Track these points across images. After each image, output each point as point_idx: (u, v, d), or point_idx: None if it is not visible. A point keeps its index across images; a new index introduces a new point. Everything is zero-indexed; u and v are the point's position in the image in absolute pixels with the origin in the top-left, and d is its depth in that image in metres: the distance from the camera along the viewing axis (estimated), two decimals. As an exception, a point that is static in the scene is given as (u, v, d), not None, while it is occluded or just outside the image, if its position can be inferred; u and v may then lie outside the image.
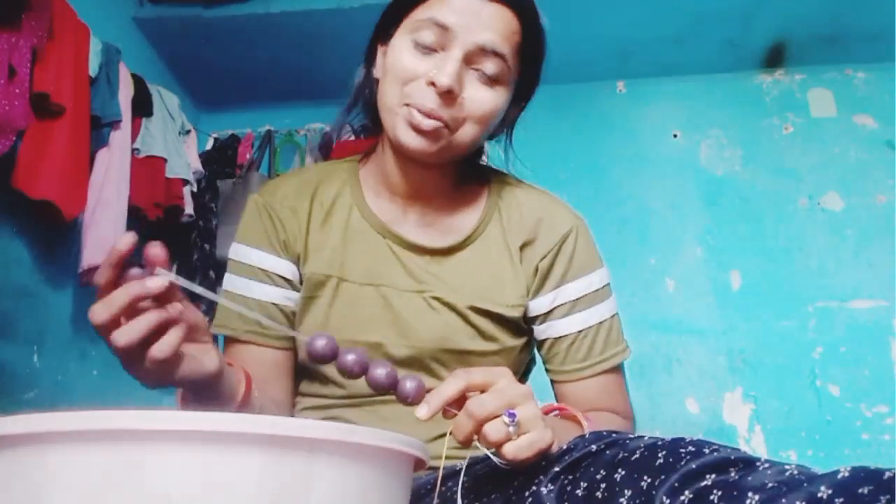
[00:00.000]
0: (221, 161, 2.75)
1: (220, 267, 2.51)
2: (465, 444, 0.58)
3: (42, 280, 1.90)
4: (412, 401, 0.60)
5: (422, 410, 0.58)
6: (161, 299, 0.55)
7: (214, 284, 2.52)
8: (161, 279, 0.53)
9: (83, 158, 1.85)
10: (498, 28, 0.75)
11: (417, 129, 0.75)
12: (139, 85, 2.18)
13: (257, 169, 2.73)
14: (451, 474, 0.75)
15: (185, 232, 2.47)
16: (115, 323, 0.53)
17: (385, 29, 0.82)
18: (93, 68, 1.91)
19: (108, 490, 0.38)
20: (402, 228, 0.85)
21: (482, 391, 0.59)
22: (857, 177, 2.61)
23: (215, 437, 0.39)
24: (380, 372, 0.60)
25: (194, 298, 0.58)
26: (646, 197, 2.70)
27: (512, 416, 0.57)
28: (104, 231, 1.90)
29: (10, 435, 0.39)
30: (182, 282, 0.55)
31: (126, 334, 0.52)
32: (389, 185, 0.86)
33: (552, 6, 0.86)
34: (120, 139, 2.01)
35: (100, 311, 0.53)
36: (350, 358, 0.60)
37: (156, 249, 0.53)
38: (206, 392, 0.64)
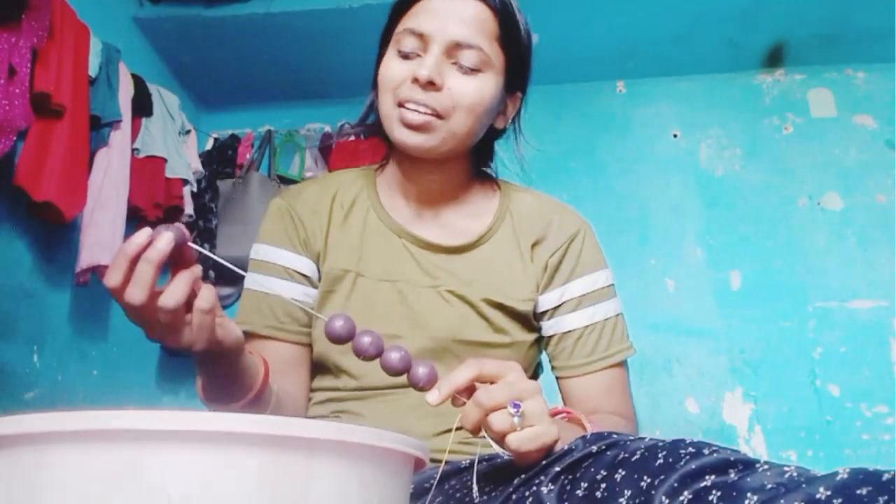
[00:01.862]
0: (221, 161, 2.75)
1: (221, 267, 2.52)
2: (474, 432, 0.60)
3: (42, 280, 1.90)
4: (423, 386, 0.61)
5: (433, 396, 0.60)
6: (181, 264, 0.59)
7: (215, 285, 2.51)
8: (167, 235, 0.56)
9: (82, 159, 1.85)
10: (468, 21, 0.80)
11: (410, 126, 0.79)
12: (139, 85, 2.18)
13: (257, 169, 2.73)
14: (455, 472, 0.76)
15: (185, 232, 2.47)
16: (151, 299, 0.56)
17: (382, 49, 0.87)
18: (93, 68, 1.91)
19: (108, 490, 0.38)
20: (416, 229, 0.90)
21: (492, 382, 0.61)
22: (857, 177, 2.61)
23: (215, 436, 0.39)
24: (394, 355, 0.61)
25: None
26: (646, 197, 2.70)
27: (517, 406, 0.58)
28: (102, 231, 1.90)
29: (10, 435, 0.39)
30: (210, 255, 0.61)
31: (172, 295, 0.56)
32: (403, 190, 0.91)
33: (553, 6, 0.88)
34: (120, 139, 2.01)
35: (134, 292, 0.55)
36: (366, 339, 0.61)
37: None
38: (228, 371, 0.67)
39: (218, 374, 0.67)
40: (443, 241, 0.89)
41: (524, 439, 0.59)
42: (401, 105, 0.80)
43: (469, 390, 0.61)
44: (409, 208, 0.91)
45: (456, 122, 0.81)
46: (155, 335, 0.59)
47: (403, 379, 0.84)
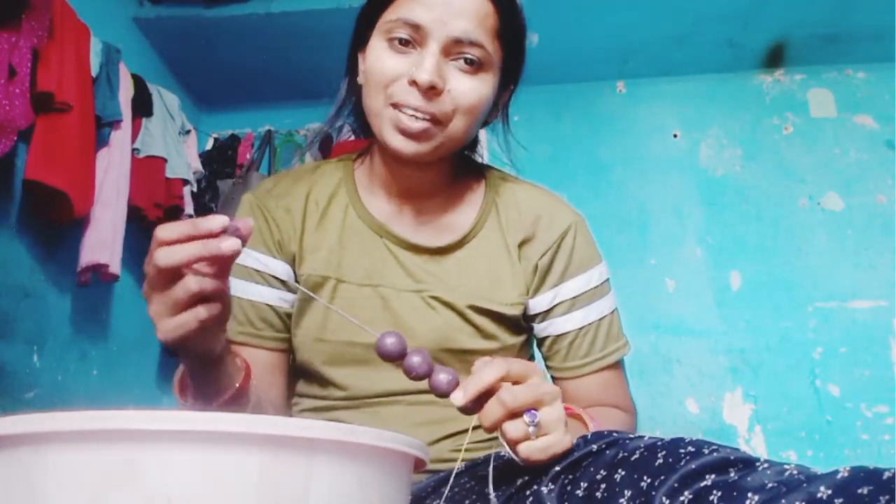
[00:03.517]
0: (221, 161, 2.75)
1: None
2: (492, 430, 0.59)
3: (42, 280, 1.90)
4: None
5: (458, 396, 0.58)
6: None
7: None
8: (235, 242, 0.53)
9: (90, 156, 1.85)
10: (470, 16, 0.73)
11: (406, 133, 0.74)
12: (139, 85, 2.18)
13: (257, 169, 2.73)
14: (455, 475, 0.75)
15: (185, 232, 2.47)
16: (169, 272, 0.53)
17: (361, 35, 0.81)
18: (93, 68, 1.91)
19: (107, 490, 0.38)
20: (398, 227, 0.85)
21: (515, 383, 0.59)
22: (857, 177, 2.61)
23: (215, 436, 0.39)
24: (443, 377, 0.59)
25: None
26: (646, 197, 2.70)
27: (533, 416, 0.57)
28: (103, 230, 1.90)
29: (10, 435, 0.39)
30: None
31: (174, 252, 0.52)
32: (384, 185, 0.86)
33: (553, 6, 0.87)
34: (120, 139, 2.01)
35: (166, 255, 0.52)
36: (416, 360, 0.59)
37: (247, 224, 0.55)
38: (207, 372, 0.64)
39: (193, 369, 0.64)
40: (426, 242, 0.84)
41: (535, 449, 0.58)
42: (394, 106, 0.74)
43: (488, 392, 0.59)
44: (391, 204, 0.86)
45: (454, 127, 0.75)
46: (150, 307, 0.56)
47: (393, 388, 0.81)
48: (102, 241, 1.89)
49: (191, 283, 0.53)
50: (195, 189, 2.44)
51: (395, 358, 0.59)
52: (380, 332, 0.60)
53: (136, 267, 2.34)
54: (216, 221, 0.53)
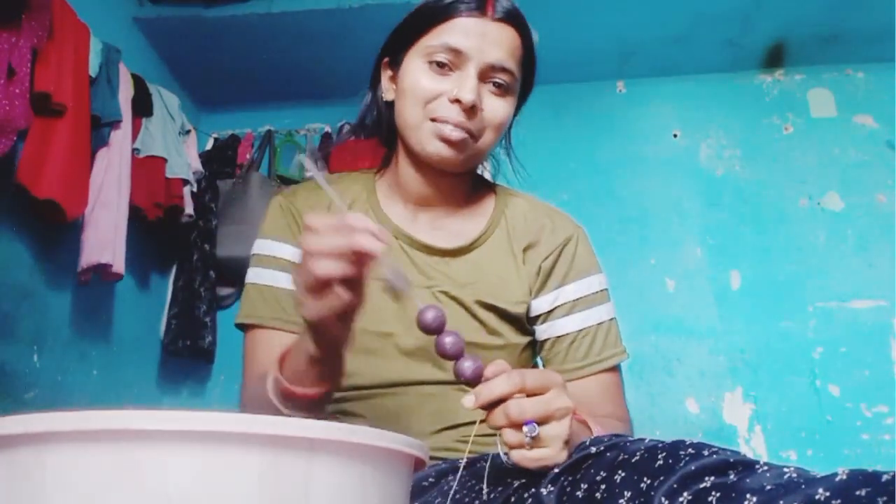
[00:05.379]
0: (221, 161, 2.75)
1: (221, 267, 2.52)
2: (495, 430, 0.61)
3: (42, 280, 1.90)
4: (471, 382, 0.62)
5: (469, 401, 0.60)
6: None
7: (215, 284, 2.52)
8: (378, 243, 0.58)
9: (84, 158, 1.85)
10: (504, 46, 0.83)
11: (447, 141, 0.82)
12: (139, 85, 2.18)
13: (257, 169, 2.73)
14: (452, 469, 0.76)
15: (185, 232, 2.47)
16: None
17: (393, 53, 0.89)
18: (93, 68, 1.91)
19: (107, 490, 0.38)
20: (413, 231, 0.91)
21: (531, 394, 0.61)
22: (857, 177, 2.61)
23: (215, 436, 0.39)
24: (467, 364, 0.61)
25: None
26: (646, 197, 2.70)
27: (532, 428, 0.59)
28: (103, 231, 1.90)
29: (10, 435, 0.39)
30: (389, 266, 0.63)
31: (319, 240, 0.58)
32: (403, 194, 0.93)
33: (552, 6, 0.90)
34: (120, 139, 2.01)
35: (316, 240, 0.58)
36: (448, 340, 0.62)
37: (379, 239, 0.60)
38: (324, 362, 0.67)
39: (315, 354, 0.67)
40: (439, 244, 0.90)
41: (527, 458, 0.60)
42: (434, 120, 0.83)
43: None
44: (407, 210, 0.93)
45: (483, 141, 0.85)
46: (298, 288, 0.61)
47: (398, 378, 0.85)
48: (103, 241, 1.89)
49: (333, 267, 0.58)
50: (195, 189, 2.44)
51: (432, 332, 0.63)
52: (424, 304, 0.63)
53: (136, 267, 2.34)
54: (363, 223, 0.58)
